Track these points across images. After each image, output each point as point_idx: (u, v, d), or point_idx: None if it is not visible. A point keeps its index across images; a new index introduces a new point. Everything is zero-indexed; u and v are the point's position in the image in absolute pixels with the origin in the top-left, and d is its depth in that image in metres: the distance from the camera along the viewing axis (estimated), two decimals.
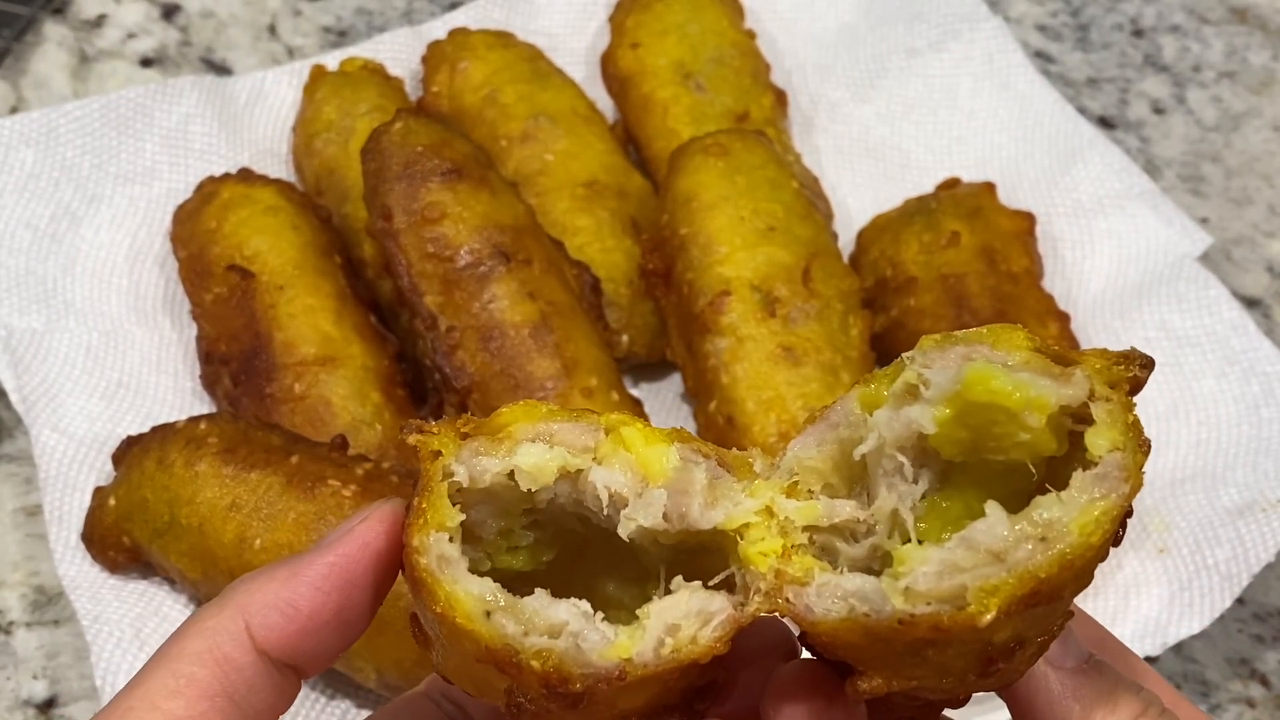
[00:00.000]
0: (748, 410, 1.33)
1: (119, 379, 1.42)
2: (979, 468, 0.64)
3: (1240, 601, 1.34)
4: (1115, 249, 1.55)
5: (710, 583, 0.66)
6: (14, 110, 1.68)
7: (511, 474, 0.65)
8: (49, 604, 1.30)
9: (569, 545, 0.69)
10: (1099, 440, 0.60)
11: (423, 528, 0.63)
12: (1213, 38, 1.90)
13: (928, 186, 1.58)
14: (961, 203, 1.50)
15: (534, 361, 1.31)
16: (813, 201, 1.47)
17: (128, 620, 1.22)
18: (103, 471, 1.32)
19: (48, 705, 1.25)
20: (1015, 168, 1.64)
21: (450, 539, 0.63)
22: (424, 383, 1.40)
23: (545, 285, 1.34)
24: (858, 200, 1.65)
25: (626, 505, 0.66)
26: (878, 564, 0.65)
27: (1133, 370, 0.62)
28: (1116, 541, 0.62)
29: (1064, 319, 1.42)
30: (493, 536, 0.67)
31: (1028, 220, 1.50)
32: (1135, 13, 1.92)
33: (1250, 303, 1.62)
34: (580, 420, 0.67)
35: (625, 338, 1.47)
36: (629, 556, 0.69)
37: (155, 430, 1.28)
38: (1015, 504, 0.62)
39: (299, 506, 1.17)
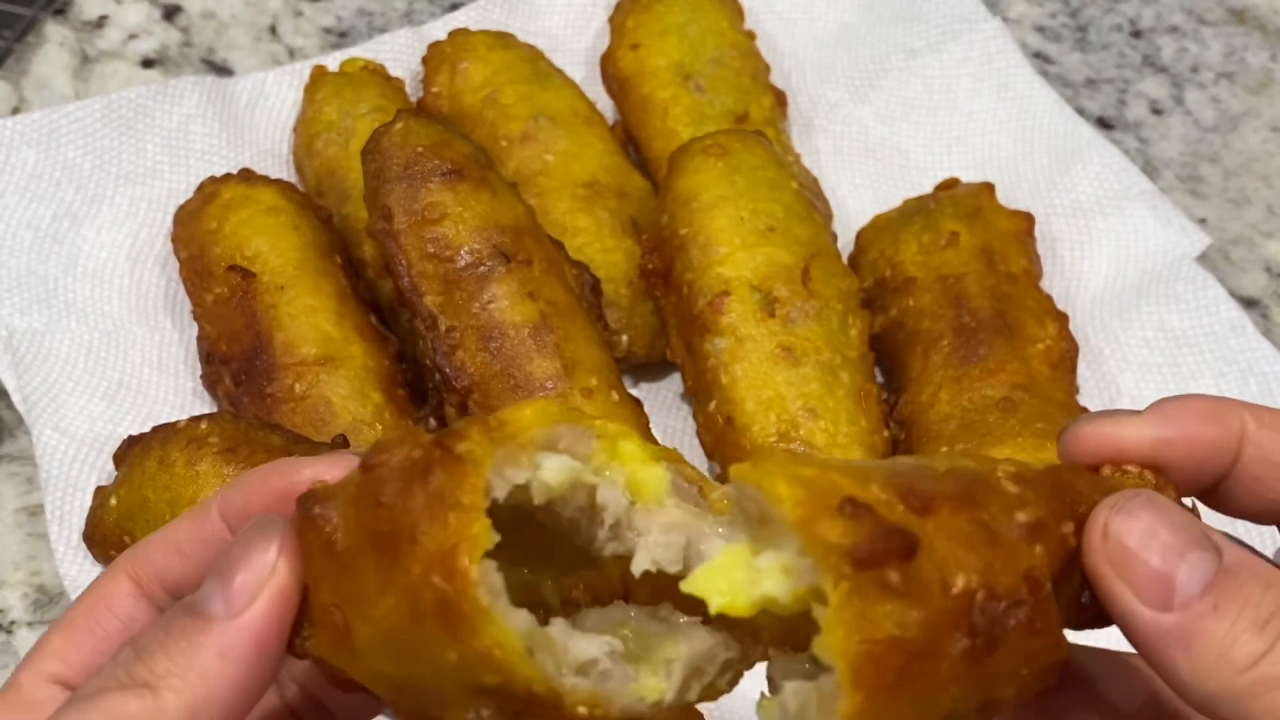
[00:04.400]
0: (747, 410, 1.33)
1: (120, 379, 1.42)
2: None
3: None
4: (1114, 249, 1.55)
5: (704, 620, 0.61)
6: (15, 111, 1.69)
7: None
8: (50, 604, 1.31)
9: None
10: (824, 649, 0.53)
11: (472, 551, 0.53)
12: (1211, 38, 1.90)
13: (927, 187, 1.59)
14: (960, 203, 1.50)
15: (534, 361, 1.31)
16: (812, 202, 1.47)
17: None
18: (104, 471, 1.33)
19: None
20: (1014, 168, 1.64)
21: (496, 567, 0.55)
22: (424, 383, 1.40)
23: (545, 285, 1.34)
24: (857, 200, 1.65)
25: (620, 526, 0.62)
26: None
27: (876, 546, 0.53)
28: None
29: (1063, 319, 1.42)
30: None
31: (1026, 220, 1.50)
32: (1134, 14, 1.93)
33: (1248, 303, 1.62)
34: (579, 423, 0.62)
35: (625, 338, 1.47)
36: (558, 537, 0.63)
37: (156, 430, 1.29)
38: None
39: None
